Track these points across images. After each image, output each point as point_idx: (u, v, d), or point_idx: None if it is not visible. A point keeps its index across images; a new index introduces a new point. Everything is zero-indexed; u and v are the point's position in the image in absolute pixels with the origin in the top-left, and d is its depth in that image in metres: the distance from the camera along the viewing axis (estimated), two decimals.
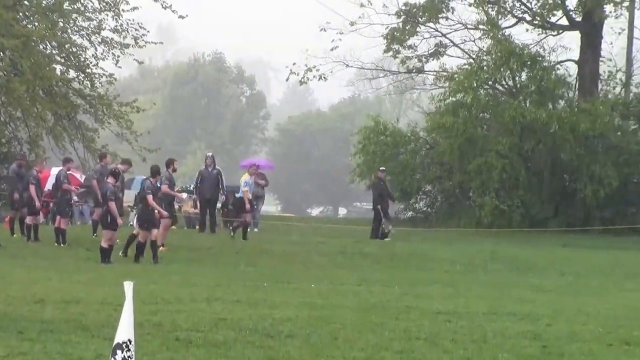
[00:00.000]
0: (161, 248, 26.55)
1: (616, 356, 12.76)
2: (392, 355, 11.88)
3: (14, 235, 30.85)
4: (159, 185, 27.12)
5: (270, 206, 62.55)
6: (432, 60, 55.57)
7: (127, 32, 48.21)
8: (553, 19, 54.13)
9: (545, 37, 54.41)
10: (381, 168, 40.06)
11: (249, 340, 13.35)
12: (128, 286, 6.83)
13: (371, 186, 40.68)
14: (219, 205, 34.71)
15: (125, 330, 6.71)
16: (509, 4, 54.17)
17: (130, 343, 6.67)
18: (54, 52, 48.30)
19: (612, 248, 39.23)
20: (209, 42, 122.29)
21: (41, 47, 47.01)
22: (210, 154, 36.90)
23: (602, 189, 45.99)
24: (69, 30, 49.15)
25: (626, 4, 52.64)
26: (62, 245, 27.65)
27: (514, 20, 54.34)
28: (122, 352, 6.53)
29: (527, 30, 55.12)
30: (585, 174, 47.05)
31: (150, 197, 26.14)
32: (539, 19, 53.90)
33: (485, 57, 52.25)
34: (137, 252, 24.96)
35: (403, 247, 34.60)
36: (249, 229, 33.55)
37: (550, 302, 20.77)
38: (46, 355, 11.06)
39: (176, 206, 28.83)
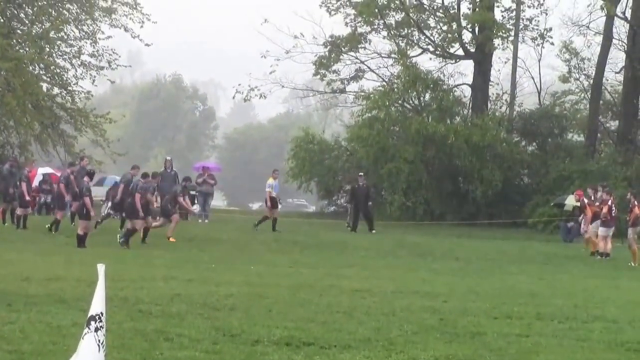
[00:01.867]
0: (171, 239, 26.62)
1: (500, 327, 12.96)
2: (317, 325, 11.97)
3: (5, 224, 30.63)
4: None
5: (218, 201, 62.67)
6: (353, 82, 55.07)
7: (102, 56, 49.33)
8: (452, 50, 53.77)
9: (445, 65, 54.13)
10: (360, 174, 39.81)
11: (198, 312, 13.42)
12: (100, 268, 6.84)
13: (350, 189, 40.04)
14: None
15: (98, 305, 6.74)
16: (415, 37, 54.01)
17: (102, 315, 6.71)
18: (41, 72, 48.58)
19: (497, 238, 39.14)
20: (170, 65, 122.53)
21: (30, 68, 47.25)
22: (169, 158, 36.79)
23: (490, 190, 46.04)
24: (54, 55, 49.70)
25: (511, 38, 52.92)
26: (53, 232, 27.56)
27: (419, 51, 54.03)
28: (95, 323, 6.56)
29: (431, 59, 54.61)
30: (476, 177, 47.00)
31: (137, 196, 26.08)
32: (440, 49, 53.68)
33: (396, 81, 52.20)
34: (126, 236, 24.86)
35: (327, 236, 34.26)
36: (200, 220, 33.45)
37: (447, 282, 20.68)
38: (31, 324, 11.07)
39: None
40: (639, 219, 30.05)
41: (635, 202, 30.10)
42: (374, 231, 35.93)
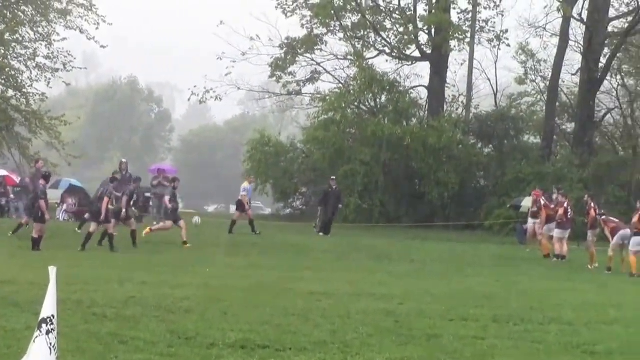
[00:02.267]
0: (187, 245, 26.90)
1: (456, 330, 13.07)
2: (272, 328, 12.07)
3: None
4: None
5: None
6: (309, 84, 55.34)
7: (58, 58, 49.41)
8: (408, 52, 54.13)
9: (401, 67, 54.35)
10: (332, 177, 40.01)
11: (154, 315, 13.39)
12: (52, 270, 6.83)
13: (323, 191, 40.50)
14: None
15: (49, 307, 6.73)
16: (372, 39, 54.27)
17: (53, 318, 6.69)
18: None
19: (453, 240, 39.48)
20: (126, 67, 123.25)
21: None
22: (124, 160, 36.65)
23: (446, 192, 46.52)
24: (9, 57, 49.52)
25: (467, 40, 53.63)
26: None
27: (376, 52, 54.30)
28: (47, 326, 6.56)
29: (387, 60, 54.91)
30: (432, 179, 47.24)
31: (106, 199, 26.12)
32: (396, 51, 54.01)
33: (352, 83, 52.52)
34: (85, 240, 24.70)
35: (283, 238, 34.37)
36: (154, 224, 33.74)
37: (402, 285, 20.71)
38: None
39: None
40: (597, 221, 30.28)
41: (592, 205, 30.47)
42: (326, 235, 36.41)
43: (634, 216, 28.31)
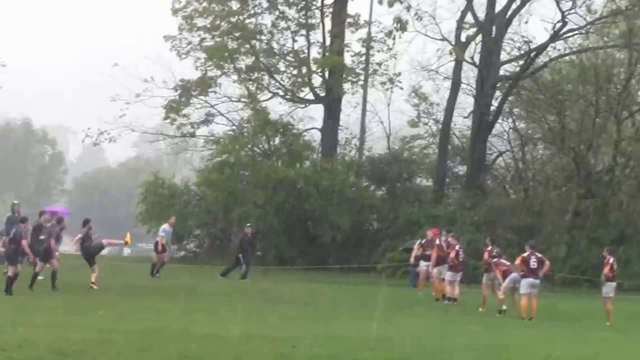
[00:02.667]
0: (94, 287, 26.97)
1: None
2: None
3: None
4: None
5: (67, 246, 62.38)
6: (203, 126, 56.81)
7: None
8: (302, 94, 55.93)
9: (295, 109, 56.02)
10: (248, 224, 40.38)
11: (47, 358, 13.26)
12: None
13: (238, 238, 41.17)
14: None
15: None
16: (265, 82, 56.20)
17: None
18: None
19: (346, 283, 40.14)
20: (20, 109, 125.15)
21: None
22: (16, 202, 36.31)
23: (339, 234, 47.38)
24: None
25: (361, 82, 55.61)
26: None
27: (270, 95, 55.96)
28: None
29: (280, 103, 56.64)
30: (325, 222, 48.42)
31: (24, 242, 25.78)
32: (290, 94, 55.75)
33: (245, 125, 54.35)
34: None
35: (177, 281, 34.66)
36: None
37: (296, 327, 20.88)
38: None
39: None
40: (491, 265, 30.86)
41: (489, 248, 31.18)
42: (221, 277, 36.81)
43: (517, 259, 28.91)
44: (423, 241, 35.98)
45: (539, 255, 29.91)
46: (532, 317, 28.34)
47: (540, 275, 30.00)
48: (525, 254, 29.46)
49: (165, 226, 38.30)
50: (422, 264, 35.59)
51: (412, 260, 36.71)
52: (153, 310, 24.31)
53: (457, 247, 32.50)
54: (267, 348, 16.12)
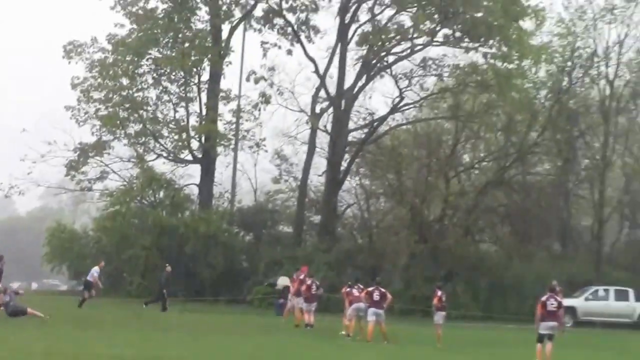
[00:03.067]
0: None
1: None
2: None
3: None
4: None
5: None
6: (99, 182, 60.33)
7: None
8: (182, 156, 60.01)
9: (176, 168, 60.14)
10: (167, 265, 44.01)
11: None
12: None
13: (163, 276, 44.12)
14: None
15: None
16: (151, 145, 59.95)
17: None
18: None
19: (220, 312, 44.06)
20: None
21: None
22: None
23: (214, 272, 52.44)
24: None
25: (232, 146, 59.99)
26: None
27: (155, 156, 59.95)
28: None
29: (164, 162, 60.38)
30: (203, 261, 52.98)
31: None
32: (172, 155, 59.99)
33: (135, 181, 58.45)
34: None
35: (79, 312, 37.96)
36: None
37: (180, 349, 23.17)
38: None
39: None
40: (353, 299, 33.21)
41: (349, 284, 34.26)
42: (145, 306, 41.34)
43: (363, 292, 31.95)
44: (301, 276, 38.28)
45: (382, 290, 32.22)
46: (386, 340, 30.88)
47: (383, 306, 32.02)
48: (370, 289, 32.11)
49: (96, 268, 41.93)
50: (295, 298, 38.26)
51: (292, 292, 38.75)
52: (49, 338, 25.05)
53: (309, 282, 36.02)
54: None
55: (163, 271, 45.01)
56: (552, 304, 27.36)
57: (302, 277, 38.40)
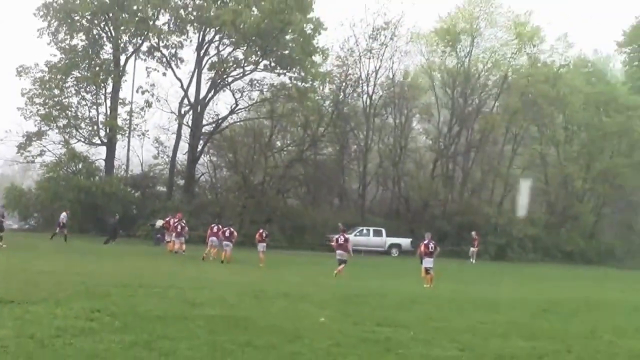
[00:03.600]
0: None
1: None
2: None
3: None
4: None
5: None
6: (39, 157, 68.09)
7: None
8: (94, 141, 68.66)
9: (90, 148, 69.38)
10: (116, 214, 51.92)
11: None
12: None
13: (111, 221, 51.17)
14: None
15: None
16: (74, 133, 68.80)
17: None
18: None
19: (121, 244, 50.54)
20: None
21: None
22: None
23: (114, 218, 56.67)
24: None
25: (127, 135, 68.77)
26: None
27: (76, 140, 68.82)
28: None
29: (82, 145, 68.93)
30: (107, 210, 60.95)
31: None
32: (87, 140, 68.51)
33: (63, 157, 67.51)
34: None
35: (32, 241, 44.50)
36: None
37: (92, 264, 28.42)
38: None
39: None
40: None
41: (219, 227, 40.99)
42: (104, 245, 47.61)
43: (209, 229, 39.49)
44: (177, 220, 45.57)
45: (232, 229, 40.51)
46: (228, 262, 37.24)
47: (231, 240, 40.10)
48: (224, 228, 40.09)
49: (64, 214, 50.84)
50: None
51: (171, 230, 46.14)
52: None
53: (183, 223, 44.48)
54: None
55: (112, 218, 54.93)
56: (340, 239, 34.57)
57: (177, 220, 46.03)
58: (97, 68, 69.18)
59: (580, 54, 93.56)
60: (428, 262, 32.75)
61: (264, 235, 41.27)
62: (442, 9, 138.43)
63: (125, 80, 70.79)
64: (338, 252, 34.13)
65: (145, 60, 70.62)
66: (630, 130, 79.77)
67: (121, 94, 70.65)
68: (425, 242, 33.59)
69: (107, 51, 70.63)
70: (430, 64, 78.18)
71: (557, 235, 77.43)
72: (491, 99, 79.34)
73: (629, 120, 79.57)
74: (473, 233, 59.70)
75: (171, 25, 69.30)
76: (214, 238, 41.42)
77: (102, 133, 70.16)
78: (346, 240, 34.34)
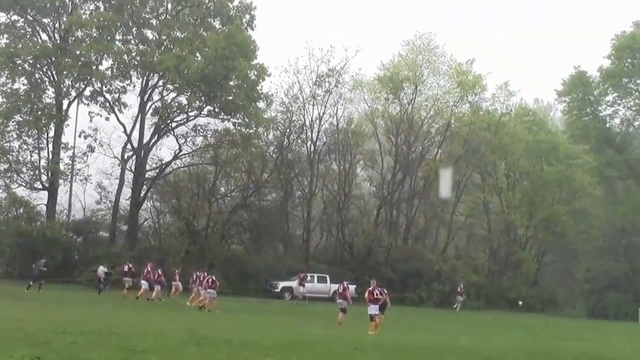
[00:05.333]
0: None
1: None
2: None
3: None
4: None
5: None
6: None
7: None
8: (35, 185, 68.24)
9: (31, 193, 68.99)
10: (42, 259, 50.04)
11: None
12: None
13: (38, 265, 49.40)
14: None
15: None
16: (15, 177, 68.27)
17: None
18: None
19: (60, 290, 50.13)
20: None
21: None
22: None
23: (56, 263, 59.13)
24: None
25: (69, 180, 68.90)
26: None
27: (17, 185, 68.30)
28: None
29: (23, 189, 68.60)
30: (48, 255, 58.40)
31: None
32: (29, 185, 68.51)
33: (3, 201, 67.77)
34: None
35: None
36: None
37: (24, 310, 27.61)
38: None
39: None
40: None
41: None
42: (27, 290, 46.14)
43: (158, 277, 44.25)
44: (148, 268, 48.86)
45: (211, 277, 42.98)
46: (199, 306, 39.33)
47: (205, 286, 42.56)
48: (200, 275, 43.06)
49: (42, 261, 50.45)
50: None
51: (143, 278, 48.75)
52: None
53: (127, 267, 49.26)
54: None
55: (38, 262, 52.52)
56: (340, 290, 36.66)
57: (148, 268, 49.75)
58: (39, 112, 68.97)
59: (522, 103, 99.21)
60: (372, 309, 33.08)
61: (210, 281, 43.60)
62: (385, 56, 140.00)
63: (68, 125, 70.83)
64: (338, 300, 35.51)
65: (88, 104, 70.78)
66: (571, 179, 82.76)
67: (63, 139, 70.68)
68: (370, 288, 34.00)
69: (49, 95, 70.80)
70: (373, 111, 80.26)
71: (500, 282, 79.32)
72: (434, 146, 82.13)
73: (569, 168, 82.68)
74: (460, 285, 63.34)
75: (114, 70, 69.70)
76: (201, 287, 43.88)
77: (43, 178, 69.75)
78: (344, 289, 35.87)
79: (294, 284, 65.23)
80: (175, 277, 52.10)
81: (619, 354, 29.84)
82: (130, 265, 52.60)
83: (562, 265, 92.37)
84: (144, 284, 49.70)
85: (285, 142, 77.63)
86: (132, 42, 72.07)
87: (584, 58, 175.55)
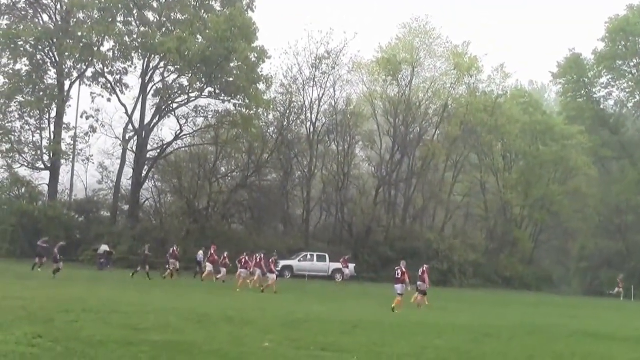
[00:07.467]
0: None
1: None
2: None
3: None
4: None
5: None
6: None
7: None
8: (37, 165, 67.74)
9: (33, 173, 68.75)
10: (62, 242, 48.01)
11: None
12: None
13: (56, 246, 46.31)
14: None
15: None
16: (17, 158, 67.51)
17: None
18: None
19: (64, 268, 46.71)
20: None
21: None
22: None
23: (58, 242, 51.31)
24: None
25: (71, 160, 68.63)
26: None
27: (19, 165, 67.88)
28: None
29: (25, 169, 68.39)
30: (52, 232, 58.13)
31: None
32: (31, 165, 67.78)
33: (6, 181, 67.49)
34: None
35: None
36: None
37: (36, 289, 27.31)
38: None
39: None
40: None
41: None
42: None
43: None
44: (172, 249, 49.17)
45: (244, 257, 43.79)
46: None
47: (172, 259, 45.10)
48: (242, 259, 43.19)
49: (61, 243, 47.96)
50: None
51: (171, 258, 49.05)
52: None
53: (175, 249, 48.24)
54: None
55: (57, 243, 49.38)
56: (397, 273, 35.17)
57: (172, 250, 50.53)
58: (41, 93, 68.60)
59: (517, 85, 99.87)
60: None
61: (222, 257, 46.56)
62: (383, 39, 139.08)
63: (70, 106, 71.04)
64: (397, 285, 34.81)
65: (89, 85, 70.68)
66: (566, 159, 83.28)
67: (65, 119, 70.43)
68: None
69: (51, 76, 70.29)
70: (372, 92, 79.97)
71: (497, 261, 79.24)
72: (432, 127, 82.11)
73: (564, 149, 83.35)
74: None
75: (116, 52, 69.28)
76: (244, 270, 44.75)
77: (45, 158, 69.32)
78: (403, 273, 35.02)
79: (294, 262, 65.24)
80: (224, 260, 51.72)
81: (612, 329, 30.12)
82: (175, 248, 52.66)
83: (557, 243, 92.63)
84: (209, 267, 50.58)
85: (285, 123, 77.39)
86: (134, 23, 71.59)
87: (578, 40, 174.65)
